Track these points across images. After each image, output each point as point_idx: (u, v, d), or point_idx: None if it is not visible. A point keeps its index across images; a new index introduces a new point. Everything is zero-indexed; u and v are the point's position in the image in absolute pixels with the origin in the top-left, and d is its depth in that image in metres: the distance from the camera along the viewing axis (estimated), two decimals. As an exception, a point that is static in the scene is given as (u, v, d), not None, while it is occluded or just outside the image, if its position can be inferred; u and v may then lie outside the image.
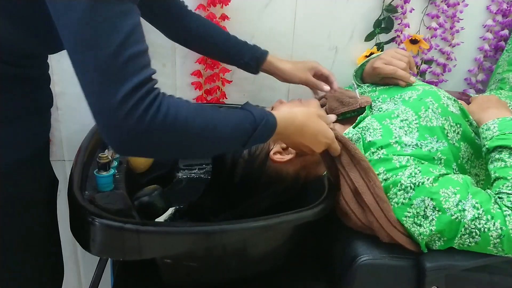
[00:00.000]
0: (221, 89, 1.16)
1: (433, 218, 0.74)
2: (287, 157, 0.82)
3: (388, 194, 0.76)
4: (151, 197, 0.76)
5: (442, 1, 1.17)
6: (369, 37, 1.18)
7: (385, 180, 0.77)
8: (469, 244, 0.74)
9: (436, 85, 1.19)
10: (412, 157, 0.77)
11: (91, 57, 0.51)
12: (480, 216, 0.72)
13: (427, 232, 0.74)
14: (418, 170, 0.76)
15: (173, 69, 1.14)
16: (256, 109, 0.64)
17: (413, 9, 1.17)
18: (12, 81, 0.68)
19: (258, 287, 0.82)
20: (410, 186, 0.75)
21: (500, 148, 0.79)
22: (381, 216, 0.76)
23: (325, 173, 0.86)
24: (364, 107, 0.92)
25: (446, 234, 0.74)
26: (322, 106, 0.98)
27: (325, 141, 0.76)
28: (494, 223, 0.72)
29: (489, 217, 0.72)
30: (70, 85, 1.08)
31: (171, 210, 0.81)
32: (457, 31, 1.21)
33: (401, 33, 1.18)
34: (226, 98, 1.17)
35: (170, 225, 0.73)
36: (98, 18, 0.51)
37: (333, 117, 0.92)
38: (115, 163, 0.77)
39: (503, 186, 0.75)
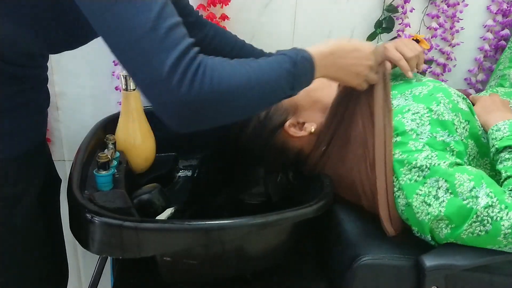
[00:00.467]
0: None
1: (444, 200, 0.73)
2: (300, 133, 0.83)
3: (402, 169, 0.76)
4: (151, 194, 0.75)
5: (442, 1, 1.17)
6: (370, 37, 1.19)
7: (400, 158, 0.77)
8: (479, 233, 0.73)
9: (437, 85, 1.19)
10: (427, 145, 0.77)
11: (131, 36, 0.53)
12: (494, 204, 0.72)
13: (435, 213, 0.73)
14: (434, 154, 0.76)
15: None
16: (287, 50, 0.65)
17: (413, 9, 1.17)
18: (8, 79, 0.68)
19: (258, 287, 0.82)
20: (426, 165, 0.75)
21: (510, 148, 0.80)
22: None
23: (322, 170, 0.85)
24: None
25: (454, 220, 0.73)
26: None
27: (366, 63, 0.76)
28: (507, 212, 0.72)
29: (503, 206, 0.72)
30: (70, 85, 1.08)
31: (170, 210, 0.80)
32: (457, 31, 1.21)
33: (403, 33, 1.18)
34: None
35: (168, 222, 0.73)
36: None
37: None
38: (114, 163, 0.77)
39: None
